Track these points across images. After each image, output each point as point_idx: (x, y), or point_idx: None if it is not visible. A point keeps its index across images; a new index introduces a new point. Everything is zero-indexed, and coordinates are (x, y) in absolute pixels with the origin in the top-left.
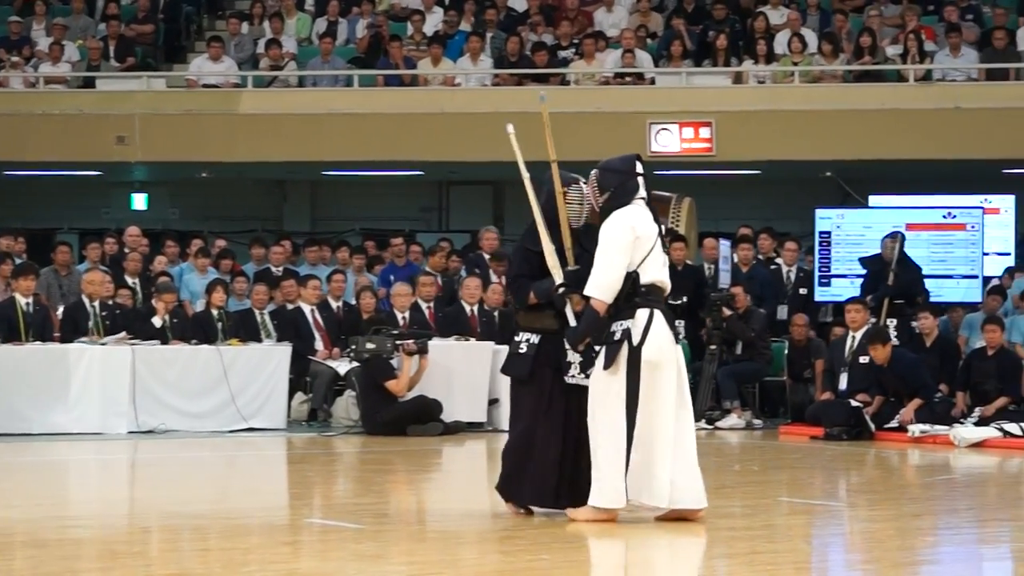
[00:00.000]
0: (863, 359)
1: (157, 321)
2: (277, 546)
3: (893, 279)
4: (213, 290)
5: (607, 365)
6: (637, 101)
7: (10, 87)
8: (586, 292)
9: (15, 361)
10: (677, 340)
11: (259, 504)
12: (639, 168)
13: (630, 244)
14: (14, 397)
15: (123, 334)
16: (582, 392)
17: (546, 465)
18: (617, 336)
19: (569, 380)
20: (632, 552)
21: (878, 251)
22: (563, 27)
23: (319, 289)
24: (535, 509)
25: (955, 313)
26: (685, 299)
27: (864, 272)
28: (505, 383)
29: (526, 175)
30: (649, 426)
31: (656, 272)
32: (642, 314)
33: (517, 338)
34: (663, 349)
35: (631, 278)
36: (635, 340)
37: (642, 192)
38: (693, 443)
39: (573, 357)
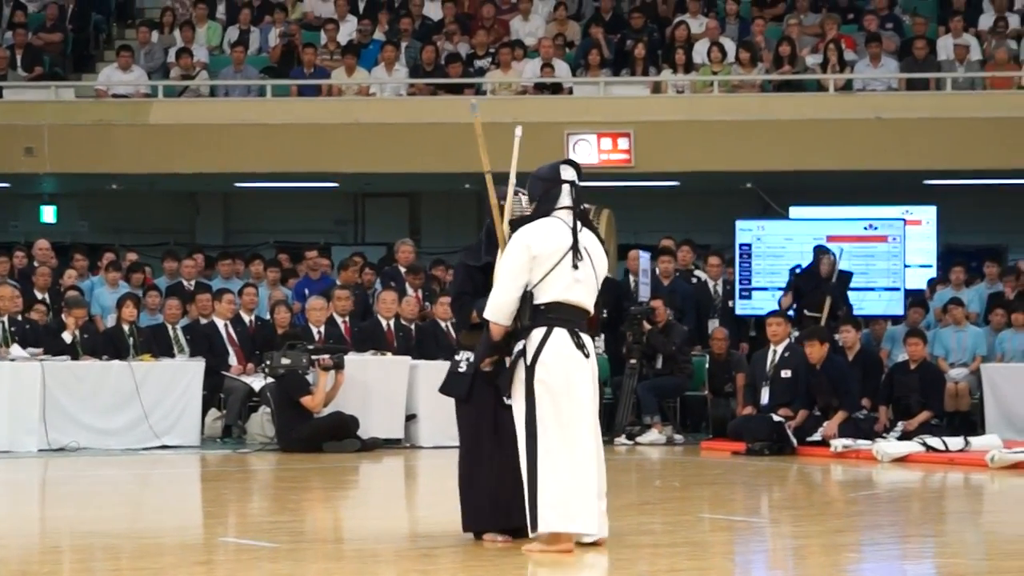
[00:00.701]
0: (785, 373)
1: (67, 336)
2: (191, 566)
3: (829, 298)
4: (123, 305)
5: (504, 388)
6: (555, 111)
7: None
8: (484, 315)
9: None
10: (584, 354)
11: (173, 523)
12: (566, 174)
13: (524, 264)
14: None
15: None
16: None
17: (490, 485)
18: (512, 358)
19: (508, 402)
20: (547, 570)
21: (804, 264)
22: (479, 36)
23: (233, 303)
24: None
25: (877, 326)
26: (605, 312)
27: (787, 282)
28: (422, 398)
29: (511, 183)
30: (557, 450)
31: (560, 290)
32: (537, 334)
33: (457, 357)
34: (562, 369)
35: (527, 298)
36: (528, 360)
37: (564, 200)
38: (600, 464)
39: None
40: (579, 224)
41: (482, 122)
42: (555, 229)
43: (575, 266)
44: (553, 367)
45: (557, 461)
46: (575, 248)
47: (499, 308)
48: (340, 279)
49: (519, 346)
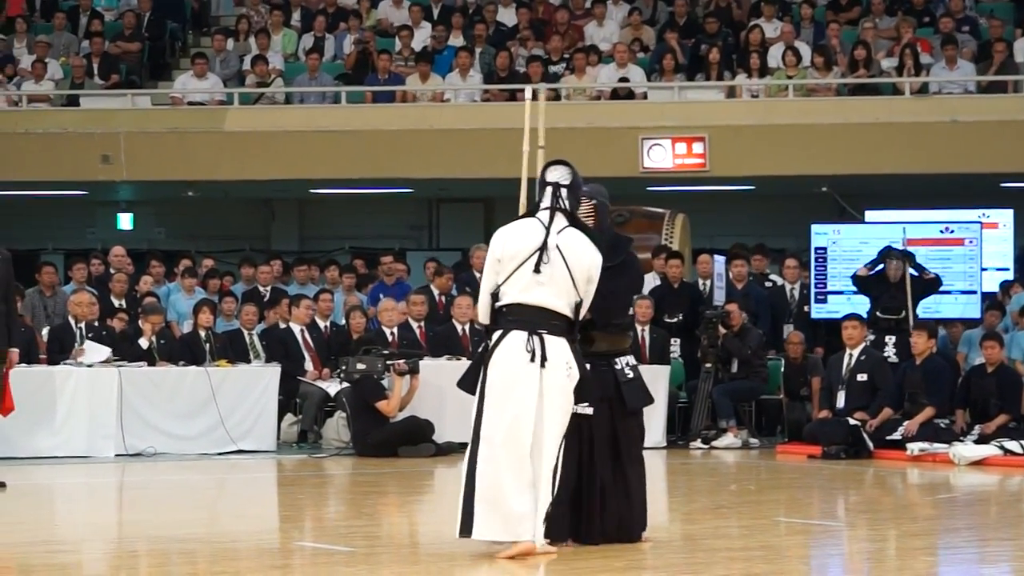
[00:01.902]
0: (861, 376)
1: (144, 343)
2: (267, 570)
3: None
4: (200, 310)
5: (579, 395)
6: (629, 116)
7: None
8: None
9: None
10: (534, 360)
11: (249, 527)
12: (549, 176)
13: (492, 266)
14: None
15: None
16: (580, 420)
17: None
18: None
19: (579, 410)
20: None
21: (871, 271)
22: (553, 41)
23: (311, 309)
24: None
25: (954, 329)
26: (681, 317)
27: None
28: None
29: (525, 149)
30: (493, 453)
31: (518, 292)
32: (495, 335)
33: None
34: (507, 373)
35: (495, 299)
36: (485, 362)
37: (545, 202)
38: (544, 472)
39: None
40: (565, 225)
41: (557, 127)
42: (527, 230)
43: (537, 268)
44: (500, 370)
45: (492, 467)
46: (542, 249)
47: (479, 310)
48: (435, 286)
49: (481, 347)
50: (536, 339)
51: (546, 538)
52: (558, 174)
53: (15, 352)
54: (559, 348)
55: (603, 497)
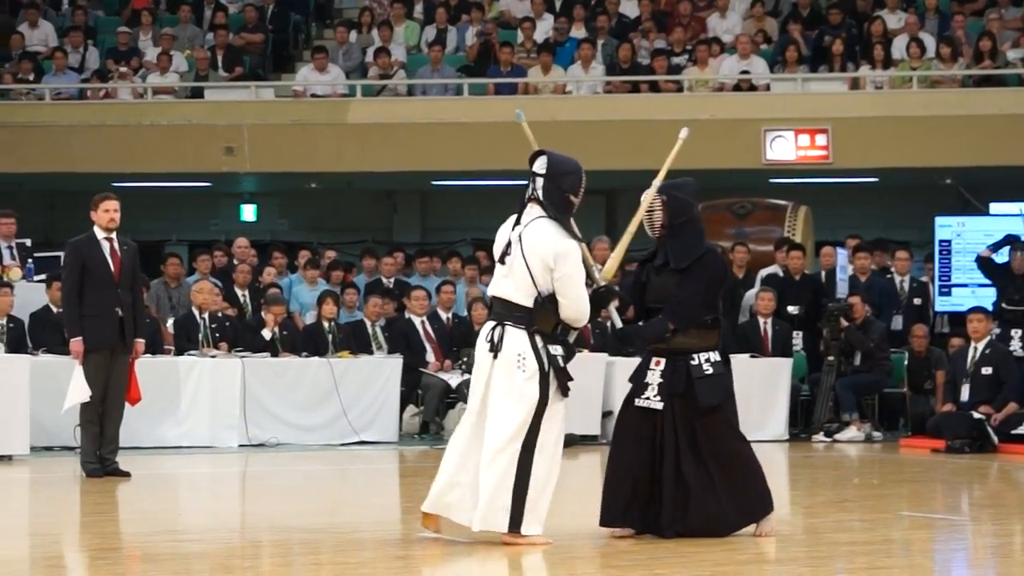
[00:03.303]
0: (985, 370)
1: (267, 333)
2: (389, 560)
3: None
4: (324, 302)
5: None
6: (752, 108)
7: (118, 98)
8: None
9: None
10: (491, 350)
11: (371, 518)
12: (536, 166)
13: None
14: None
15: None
16: (650, 414)
17: (608, 484)
18: None
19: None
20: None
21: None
22: (676, 33)
23: (426, 300)
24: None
25: None
26: (802, 309)
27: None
28: (618, 395)
29: (655, 184)
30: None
31: (491, 285)
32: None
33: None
34: (476, 362)
35: None
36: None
37: (528, 193)
38: (482, 458)
39: (651, 378)
40: (536, 216)
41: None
42: (507, 225)
43: (502, 260)
44: (475, 362)
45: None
46: (509, 242)
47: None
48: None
49: None
50: (498, 330)
51: (602, 525)
52: (538, 164)
53: (141, 343)
54: (515, 339)
55: (684, 492)
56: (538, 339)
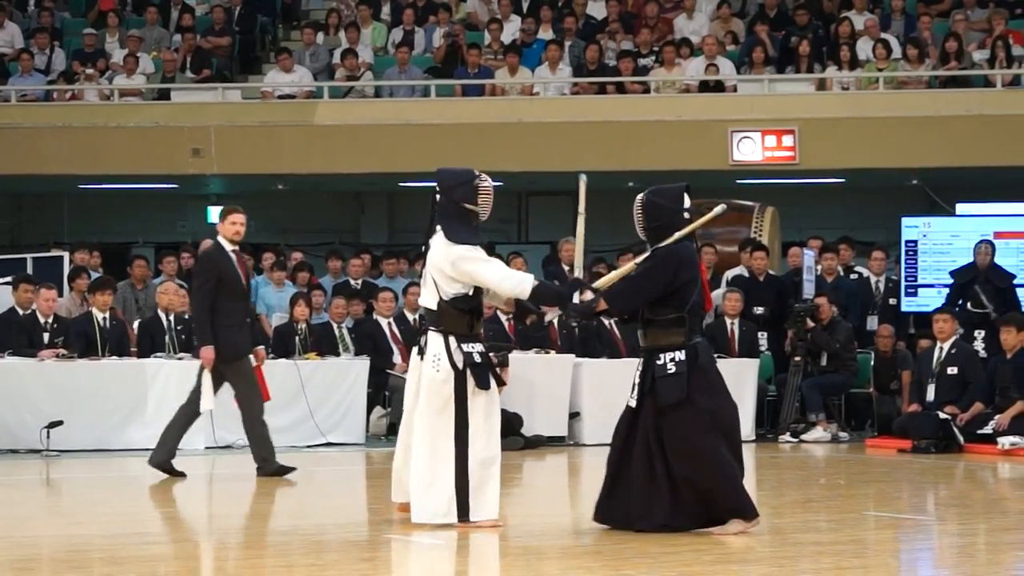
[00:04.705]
0: (951, 370)
1: None
2: (356, 563)
3: (985, 284)
4: (296, 303)
5: None
6: (718, 109)
7: (85, 100)
8: None
9: (92, 377)
10: (419, 353)
11: (338, 520)
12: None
13: None
14: (91, 413)
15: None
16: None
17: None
18: None
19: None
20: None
21: (964, 262)
22: (643, 34)
23: (393, 302)
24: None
25: None
26: (767, 310)
27: (950, 284)
28: (586, 396)
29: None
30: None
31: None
32: None
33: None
34: (411, 363)
35: None
36: None
37: (432, 212)
38: (418, 454)
39: (635, 378)
40: (435, 231)
41: (646, 120)
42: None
43: (421, 272)
44: None
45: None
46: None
47: None
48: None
49: None
50: (424, 336)
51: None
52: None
53: (261, 349)
54: (433, 342)
55: (653, 489)
56: (452, 340)
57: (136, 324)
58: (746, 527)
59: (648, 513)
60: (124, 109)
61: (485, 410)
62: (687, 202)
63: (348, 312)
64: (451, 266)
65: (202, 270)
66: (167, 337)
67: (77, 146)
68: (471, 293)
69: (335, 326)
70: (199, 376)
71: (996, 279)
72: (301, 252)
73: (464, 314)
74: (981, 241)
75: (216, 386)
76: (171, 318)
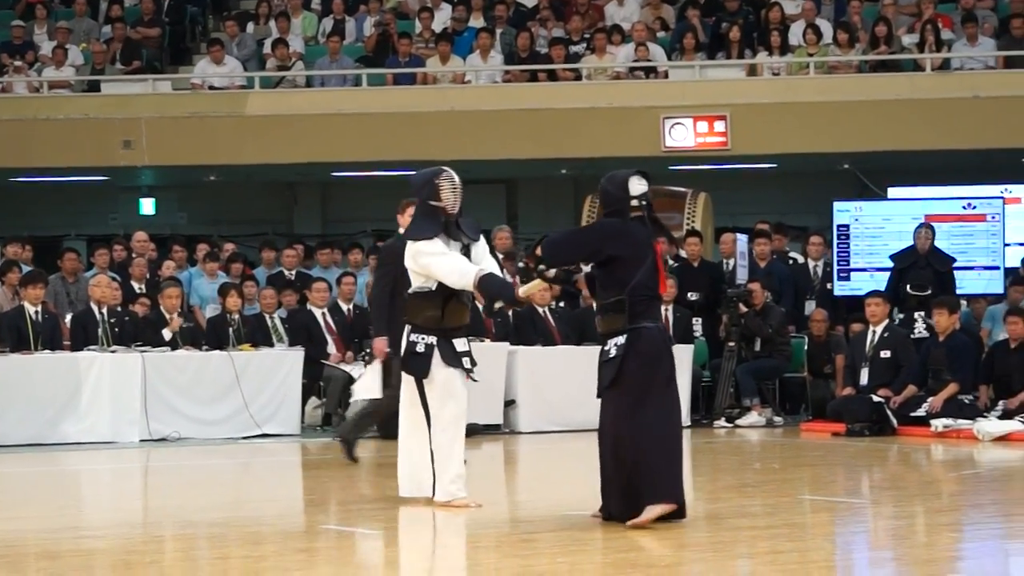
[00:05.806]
0: (884, 353)
1: (167, 333)
2: (293, 553)
3: (925, 268)
4: (228, 294)
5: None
6: (650, 95)
7: (14, 92)
8: None
9: (25, 371)
10: None
11: (274, 511)
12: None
13: None
14: (24, 407)
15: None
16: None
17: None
18: None
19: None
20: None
21: (905, 246)
22: (574, 22)
23: (327, 292)
24: None
25: (977, 305)
26: (701, 296)
27: (890, 267)
28: (520, 384)
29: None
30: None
31: None
32: None
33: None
34: None
35: None
36: None
37: None
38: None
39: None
40: None
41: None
42: None
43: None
44: None
45: None
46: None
47: None
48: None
49: None
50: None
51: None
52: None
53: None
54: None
55: (606, 471)
56: (409, 331)
57: (69, 317)
58: (663, 511)
59: (624, 497)
60: (54, 101)
61: (441, 393)
62: (636, 188)
63: (280, 302)
64: (412, 261)
65: (383, 263)
66: (100, 330)
67: (6, 139)
68: (434, 288)
69: (268, 317)
70: (367, 365)
71: (936, 263)
72: (234, 243)
73: (430, 306)
74: (921, 225)
75: (384, 378)
76: (104, 311)
